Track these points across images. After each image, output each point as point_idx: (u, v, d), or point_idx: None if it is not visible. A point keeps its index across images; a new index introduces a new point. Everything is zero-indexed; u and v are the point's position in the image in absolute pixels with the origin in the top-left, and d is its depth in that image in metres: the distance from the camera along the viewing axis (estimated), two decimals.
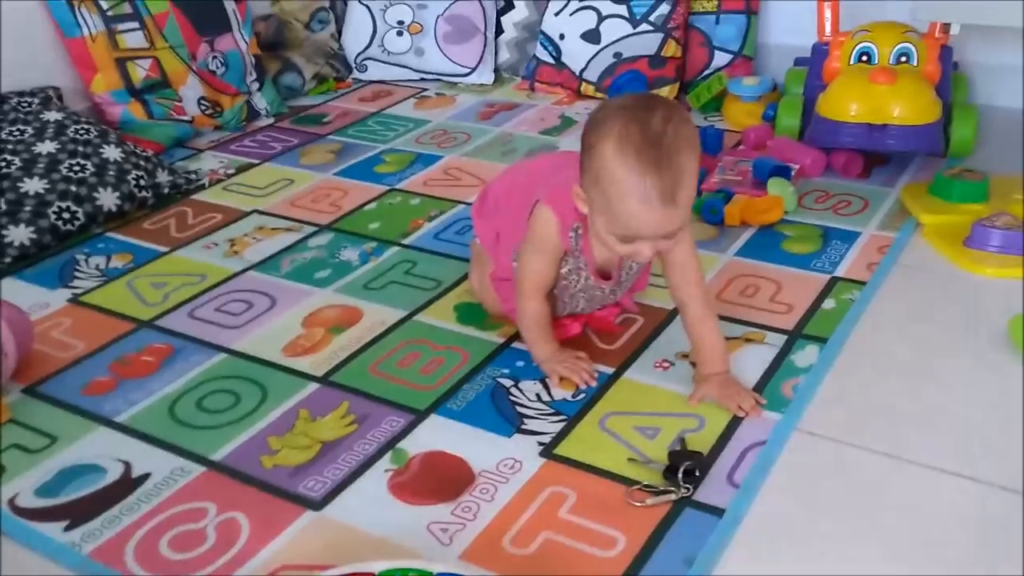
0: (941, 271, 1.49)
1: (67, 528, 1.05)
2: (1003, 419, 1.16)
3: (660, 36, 2.19)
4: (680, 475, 1.05)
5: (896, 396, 1.21)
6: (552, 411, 1.20)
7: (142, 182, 1.83)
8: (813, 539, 0.99)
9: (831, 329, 1.34)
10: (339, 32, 2.56)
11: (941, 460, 1.09)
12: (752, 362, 1.27)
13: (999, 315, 1.35)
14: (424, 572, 0.91)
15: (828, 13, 1.92)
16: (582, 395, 1.23)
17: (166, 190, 1.88)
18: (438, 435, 1.17)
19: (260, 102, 2.30)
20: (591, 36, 2.24)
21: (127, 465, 1.14)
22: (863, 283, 1.45)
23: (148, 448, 1.17)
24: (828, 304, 1.40)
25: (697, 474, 1.06)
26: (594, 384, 1.24)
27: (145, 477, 1.12)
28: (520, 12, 2.46)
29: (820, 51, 1.89)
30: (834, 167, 1.82)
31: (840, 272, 1.49)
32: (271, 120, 2.31)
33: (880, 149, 1.75)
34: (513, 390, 1.24)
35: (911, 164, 1.85)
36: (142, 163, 1.86)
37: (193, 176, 1.96)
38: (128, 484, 1.11)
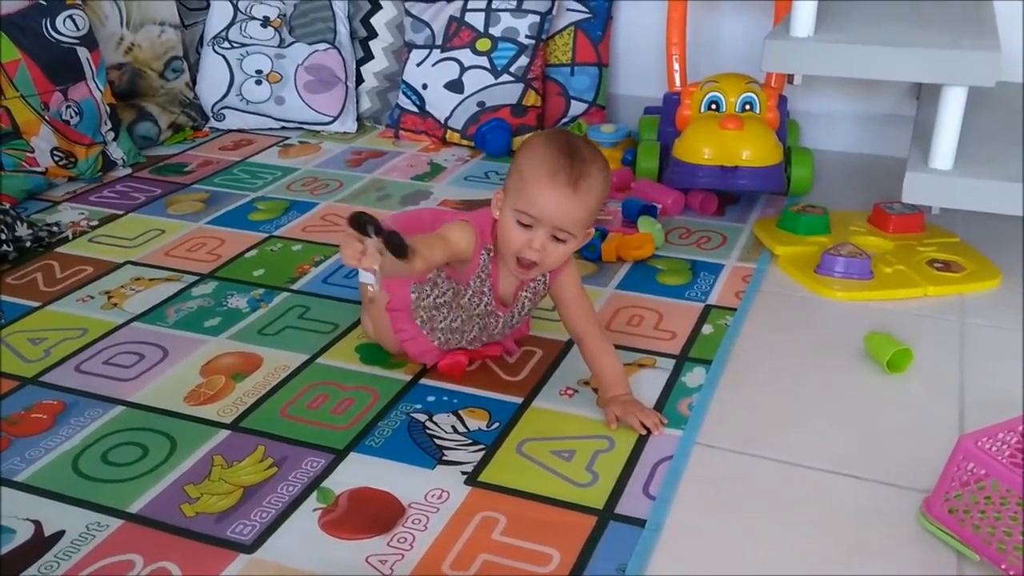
0: (798, 296, 1.65)
1: None
2: (872, 423, 1.30)
3: (521, 86, 2.30)
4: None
5: (778, 407, 1.33)
6: (470, 441, 1.24)
7: (2, 236, 1.75)
8: (728, 541, 1.08)
9: (713, 351, 1.45)
10: (193, 81, 2.53)
11: (826, 462, 1.21)
12: (648, 385, 1.36)
13: (852, 332, 1.51)
14: None
15: (677, 66, 2.10)
16: (496, 424, 1.28)
17: (28, 243, 1.80)
18: (361, 472, 1.19)
19: (116, 152, 2.24)
20: (454, 86, 2.33)
21: (37, 524, 1.10)
22: (733, 309, 1.58)
23: (57, 505, 1.13)
24: (707, 329, 1.52)
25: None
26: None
27: (60, 535, 1.08)
28: (380, 62, 2.52)
29: (671, 100, 2.05)
30: (691, 206, 1.97)
31: (712, 300, 1.62)
32: (128, 170, 2.25)
33: (732, 189, 1.91)
34: (428, 424, 1.28)
35: (758, 202, 2.03)
36: (0, 216, 1.78)
37: (55, 228, 1.88)
38: (42, 543, 1.07)
